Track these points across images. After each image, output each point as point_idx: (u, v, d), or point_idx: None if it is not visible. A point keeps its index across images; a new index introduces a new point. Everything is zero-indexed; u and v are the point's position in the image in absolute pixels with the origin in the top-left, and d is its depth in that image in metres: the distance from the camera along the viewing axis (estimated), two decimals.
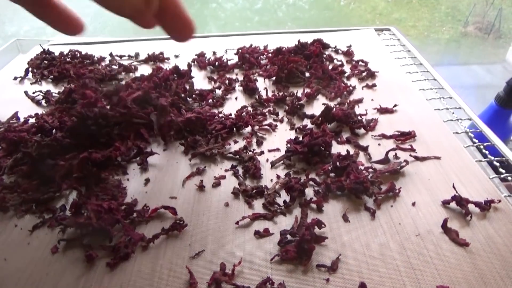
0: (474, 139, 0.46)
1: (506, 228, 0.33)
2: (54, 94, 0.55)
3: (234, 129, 0.47)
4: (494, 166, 0.42)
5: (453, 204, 0.35)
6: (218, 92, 0.56)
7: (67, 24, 0.29)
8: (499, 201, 0.35)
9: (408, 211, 0.35)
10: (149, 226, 0.34)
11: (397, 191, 0.37)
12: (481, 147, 0.44)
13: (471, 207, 0.34)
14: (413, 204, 0.36)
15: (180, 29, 0.28)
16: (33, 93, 0.56)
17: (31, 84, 0.61)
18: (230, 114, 0.49)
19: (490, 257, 0.30)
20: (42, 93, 0.54)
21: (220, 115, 0.49)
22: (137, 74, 0.62)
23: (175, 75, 0.58)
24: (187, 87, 0.54)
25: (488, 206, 0.34)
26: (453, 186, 0.36)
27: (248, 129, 0.47)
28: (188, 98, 0.53)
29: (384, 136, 0.45)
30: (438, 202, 0.36)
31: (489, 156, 0.43)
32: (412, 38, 2.44)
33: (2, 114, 0.52)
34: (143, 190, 0.38)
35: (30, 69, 0.63)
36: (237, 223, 0.34)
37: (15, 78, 0.62)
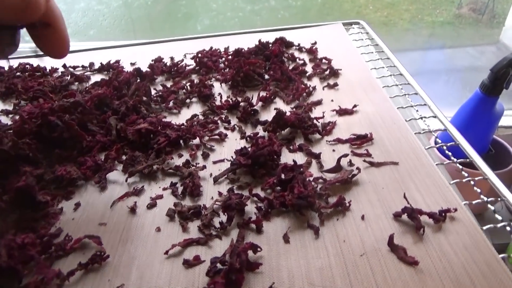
0: (438, 139, 0.42)
1: (463, 242, 0.29)
2: None
3: (181, 141, 0.44)
4: (457, 169, 0.39)
5: (405, 217, 0.32)
6: (181, 93, 0.53)
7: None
8: (455, 210, 0.31)
9: (356, 227, 0.31)
10: (70, 259, 0.31)
11: (347, 204, 0.33)
12: (444, 148, 0.41)
13: (424, 218, 0.31)
14: (362, 217, 0.32)
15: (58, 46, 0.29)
16: None
17: None
18: (183, 124, 0.46)
19: (442, 278, 0.27)
20: None
21: (172, 124, 0.46)
22: (90, 83, 0.59)
23: (137, 77, 0.56)
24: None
25: (443, 217, 0.31)
26: (404, 196, 0.32)
27: (196, 140, 0.44)
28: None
29: (339, 141, 0.42)
30: (390, 215, 0.32)
31: (452, 157, 0.39)
32: (406, 22, 2.40)
33: None
34: (70, 216, 0.35)
35: None
36: (166, 252, 0.30)
37: None
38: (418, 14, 2.45)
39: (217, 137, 0.44)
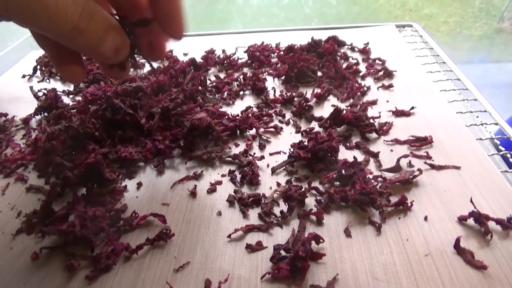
0: (500, 147, 0.41)
1: None
2: (59, 93, 0.54)
3: (238, 131, 0.44)
4: None
5: (471, 221, 0.31)
6: (235, 84, 0.54)
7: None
8: None
9: (419, 227, 0.31)
10: (136, 234, 0.32)
11: (409, 204, 0.33)
12: (508, 155, 0.40)
13: (491, 224, 0.31)
14: (425, 218, 0.32)
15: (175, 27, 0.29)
16: (38, 91, 0.55)
17: (38, 82, 0.60)
18: (238, 115, 0.47)
19: (511, 283, 0.26)
20: (46, 90, 0.54)
21: (228, 114, 0.47)
22: (144, 71, 0.61)
23: (191, 67, 0.57)
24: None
25: None
26: (471, 200, 0.32)
27: (252, 131, 0.44)
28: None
29: (397, 142, 0.41)
30: (454, 218, 0.32)
31: None
32: (443, 34, 2.34)
33: (7, 111, 0.51)
34: (134, 195, 0.36)
35: (38, 67, 0.62)
36: (229, 236, 0.31)
37: (24, 76, 0.61)
38: (457, 27, 2.38)
39: (272, 129, 0.45)
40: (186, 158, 0.40)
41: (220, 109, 0.48)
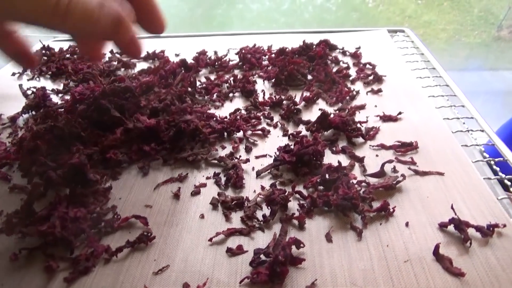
0: (485, 154, 0.41)
1: (511, 258, 0.29)
2: (48, 91, 0.54)
3: (225, 134, 0.44)
4: (505, 185, 0.38)
5: (451, 228, 0.31)
6: (224, 86, 0.54)
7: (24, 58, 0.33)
8: (504, 225, 0.31)
9: (400, 233, 0.31)
10: (118, 236, 0.32)
11: (391, 210, 0.33)
12: (492, 162, 0.40)
13: (471, 231, 0.31)
14: (407, 224, 0.32)
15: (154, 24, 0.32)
16: (28, 89, 0.55)
17: (28, 80, 0.60)
18: (226, 117, 0.47)
19: None
20: (35, 89, 0.53)
21: (216, 116, 0.47)
22: (135, 70, 0.61)
23: (182, 68, 0.57)
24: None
25: (491, 231, 0.30)
26: (452, 207, 0.32)
27: (240, 134, 0.44)
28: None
29: (383, 147, 0.41)
30: (435, 224, 0.32)
31: (500, 173, 0.38)
32: (442, 41, 2.35)
33: None
34: (117, 196, 0.36)
35: None
36: (210, 239, 0.31)
37: (13, 74, 0.61)
38: (455, 34, 2.39)
39: (259, 132, 0.45)
40: (171, 159, 0.40)
41: (209, 111, 0.48)
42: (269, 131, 0.45)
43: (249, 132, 0.44)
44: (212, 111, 0.49)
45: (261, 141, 0.44)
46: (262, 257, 0.29)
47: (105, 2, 0.25)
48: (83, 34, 0.26)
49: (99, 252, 0.30)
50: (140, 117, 0.42)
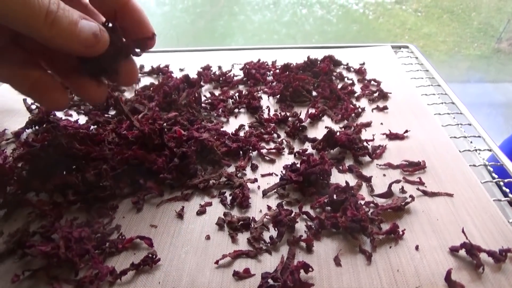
0: (494, 174, 0.41)
1: None
2: None
3: (241, 152, 0.43)
4: None
5: (462, 252, 0.31)
6: (230, 102, 0.54)
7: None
8: None
9: (410, 257, 0.31)
10: (122, 257, 0.31)
11: (401, 233, 0.32)
12: (501, 183, 0.40)
13: (483, 256, 0.30)
14: (417, 248, 0.31)
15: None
16: (32, 103, 0.55)
17: None
18: (238, 134, 0.46)
19: None
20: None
21: (228, 133, 0.46)
22: (139, 86, 0.60)
23: (185, 84, 0.57)
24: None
25: (504, 256, 0.30)
26: (463, 231, 0.31)
27: (255, 153, 0.44)
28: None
29: (390, 166, 0.41)
30: (446, 248, 0.31)
31: (510, 194, 0.38)
32: (442, 53, 2.36)
33: None
34: (121, 215, 0.36)
35: None
36: (216, 262, 0.30)
37: None
38: (455, 47, 2.40)
39: (274, 150, 0.44)
40: (180, 183, 0.39)
41: (222, 128, 0.47)
42: (283, 148, 0.44)
43: (265, 151, 0.44)
44: (216, 126, 0.48)
45: (267, 159, 0.43)
46: (270, 281, 0.28)
47: (85, 16, 0.29)
48: (64, 44, 0.28)
49: (104, 274, 0.29)
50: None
